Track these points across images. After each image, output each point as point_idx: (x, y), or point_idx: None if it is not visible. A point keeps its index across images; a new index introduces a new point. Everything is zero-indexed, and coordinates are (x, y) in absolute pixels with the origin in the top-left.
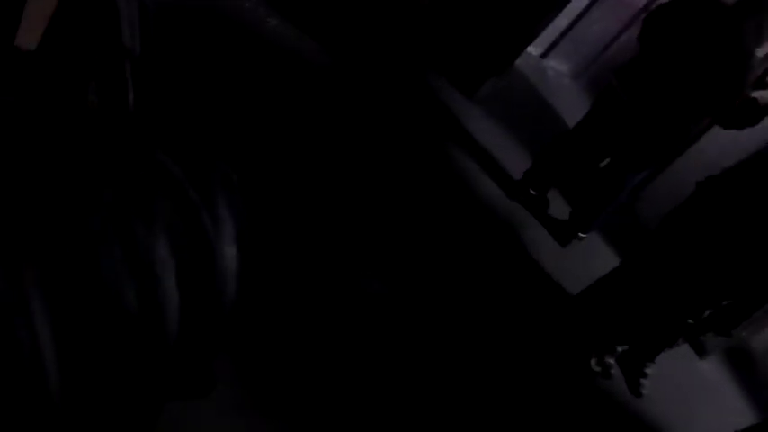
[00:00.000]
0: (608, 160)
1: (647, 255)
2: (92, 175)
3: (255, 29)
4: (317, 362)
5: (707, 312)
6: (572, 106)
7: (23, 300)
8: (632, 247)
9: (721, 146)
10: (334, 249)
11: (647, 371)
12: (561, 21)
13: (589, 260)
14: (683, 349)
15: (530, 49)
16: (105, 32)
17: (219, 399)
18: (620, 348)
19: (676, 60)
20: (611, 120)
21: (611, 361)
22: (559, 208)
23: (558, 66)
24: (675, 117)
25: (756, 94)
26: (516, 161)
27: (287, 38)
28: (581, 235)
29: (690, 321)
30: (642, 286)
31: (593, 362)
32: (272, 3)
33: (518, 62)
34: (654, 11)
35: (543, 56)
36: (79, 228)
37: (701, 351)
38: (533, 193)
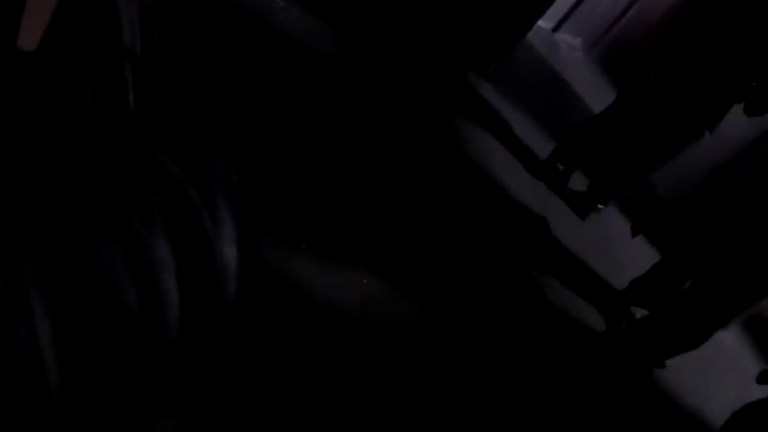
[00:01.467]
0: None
1: (691, 249)
2: (92, 175)
3: (256, 30)
4: (316, 362)
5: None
6: (585, 79)
7: (23, 300)
8: (672, 243)
9: (733, 122)
10: (339, 246)
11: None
12: None
13: (607, 232)
14: None
15: (541, 23)
16: (105, 32)
17: (218, 398)
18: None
19: (708, 46)
20: (642, 106)
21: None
22: (577, 180)
23: (569, 39)
24: (708, 102)
25: None
26: (532, 137)
27: (291, 26)
28: (599, 206)
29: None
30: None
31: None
32: None
33: (529, 36)
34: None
35: (555, 29)
36: (79, 228)
37: None
38: (561, 167)
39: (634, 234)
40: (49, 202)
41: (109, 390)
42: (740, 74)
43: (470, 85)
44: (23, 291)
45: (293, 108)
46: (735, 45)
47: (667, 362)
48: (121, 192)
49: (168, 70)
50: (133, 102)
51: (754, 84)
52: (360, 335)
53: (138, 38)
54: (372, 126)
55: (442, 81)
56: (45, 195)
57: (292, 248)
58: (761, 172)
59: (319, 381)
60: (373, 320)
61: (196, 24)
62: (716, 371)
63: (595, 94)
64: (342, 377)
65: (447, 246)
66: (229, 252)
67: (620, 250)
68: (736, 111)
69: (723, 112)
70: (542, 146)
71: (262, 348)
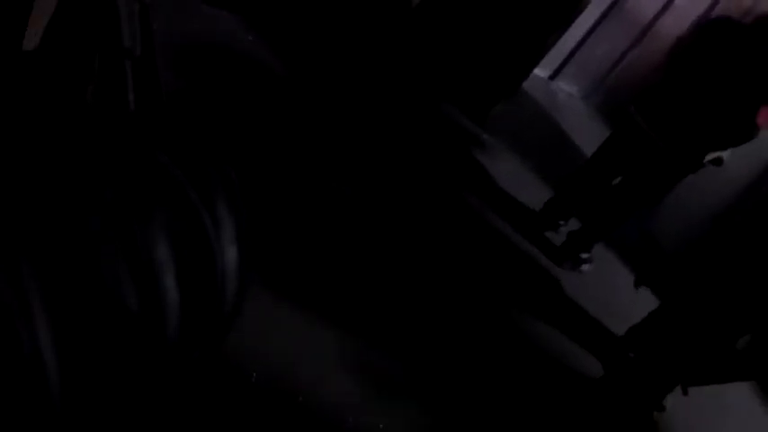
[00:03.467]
0: (619, 180)
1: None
2: (92, 176)
3: (258, 29)
4: (317, 362)
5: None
6: (584, 127)
7: (24, 300)
8: (672, 286)
9: (732, 167)
10: (335, 252)
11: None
12: (568, 42)
13: (606, 280)
14: None
15: (538, 72)
16: (105, 32)
17: (220, 395)
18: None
19: (701, 87)
20: (630, 148)
21: None
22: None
23: (567, 87)
24: (698, 143)
25: None
26: (530, 186)
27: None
28: (582, 256)
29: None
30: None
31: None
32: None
33: (527, 85)
34: (678, 42)
35: (552, 78)
36: (79, 228)
37: None
38: (562, 224)
39: (637, 286)
40: (50, 202)
41: (109, 389)
42: (732, 111)
43: (470, 134)
44: (24, 291)
45: (292, 108)
46: (725, 83)
47: (667, 405)
48: (122, 192)
49: (168, 70)
50: (133, 102)
51: (748, 121)
52: (362, 336)
53: (138, 38)
54: (369, 168)
55: (440, 131)
56: (45, 195)
57: (292, 249)
58: (758, 218)
59: (319, 379)
60: (364, 348)
61: (195, 25)
62: (714, 414)
63: (594, 140)
64: (343, 378)
65: (444, 294)
66: (229, 252)
67: (620, 298)
68: (736, 154)
69: (705, 151)
70: (539, 194)
71: (261, 347)
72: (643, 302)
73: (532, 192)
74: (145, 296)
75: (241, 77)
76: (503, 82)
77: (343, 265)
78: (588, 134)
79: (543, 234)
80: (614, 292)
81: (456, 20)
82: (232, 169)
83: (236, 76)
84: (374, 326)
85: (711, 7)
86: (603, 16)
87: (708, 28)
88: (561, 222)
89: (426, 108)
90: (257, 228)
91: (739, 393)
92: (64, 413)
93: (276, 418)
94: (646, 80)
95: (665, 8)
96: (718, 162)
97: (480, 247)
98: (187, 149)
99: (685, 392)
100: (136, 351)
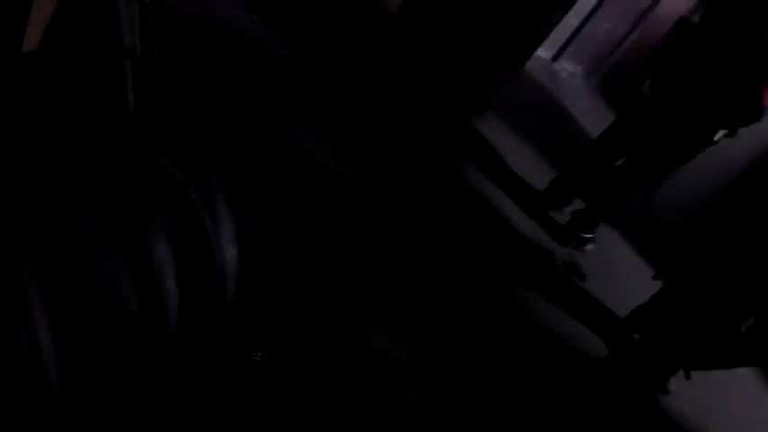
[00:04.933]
0: (624, 159)
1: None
2: (92, 175)
3: (257, 29)
4: (316, 362)
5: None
6: (587, 106)
7: (24, 300)
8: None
9: (735, 145)
10: (335, 251)
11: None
12: (571, 23)
13: (611, 260)
14: None
15: (541, 52)
16: (105, 32)
17: (221, 396)
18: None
19: (707, 66)
20: (640, 128)
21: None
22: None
23: (569, 67)
24: (707, 121)
25: None
26: (534, 165)
27: (281, 42)
28: (585, 236)
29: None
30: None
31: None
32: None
33: (530, 66)
34: (681, 22)
35: (554, 58)
36: (79, 228)
37: None
38: (566, 203)
39: (655, 278)
40: (49, 201)
41: (109, 388)
42: (737, 90)
43: (472, 114)
44: (24, 291)
45: (292, 109)
46: (725, 66)
47: (672, 387)
48: (122, 192)
49: (168, 70)
50: (133, 102)
51: (754, 97)
52: (362, 336)
53: (138, 38)
54: (373, 142)
55: (443, 110)
56: (45, 195)
57: (291, 249)
58: (761, 199)
59: (318, 379)
60: (370, 339)
61: (195, 24)
62: (721, 394)
63: (596, 120)
64: (341, 379)
65: (449, 273)
66: (229, 252)
67: (624, 277)
68: (738, 134)
69: (714, 131)
70: (543, 174)
71: (261, 346)
72: (647, 282)
73: (536, 171)
74: (145, 296)
75: (241, 66)
76: (505, 62)
77: (346, 250)
78: (591, 114)
79: (548, 214)
80: (618, 272)
81: (459, 1)
82: (232, 169)
83: (236, 65)
84: (378, 309)
85: None
86: None
87: (711, 7)
88: (566, 202)
89: (427, 90)
90: (257, 227)
91: (743, 377)
92: (64, 412)
93: (280, 395)
94: (648, 60)
95: None
96: (732, 134)
97: (485, 227)
98: (187, 149)
99: (688, 377)
100: (136, 350)
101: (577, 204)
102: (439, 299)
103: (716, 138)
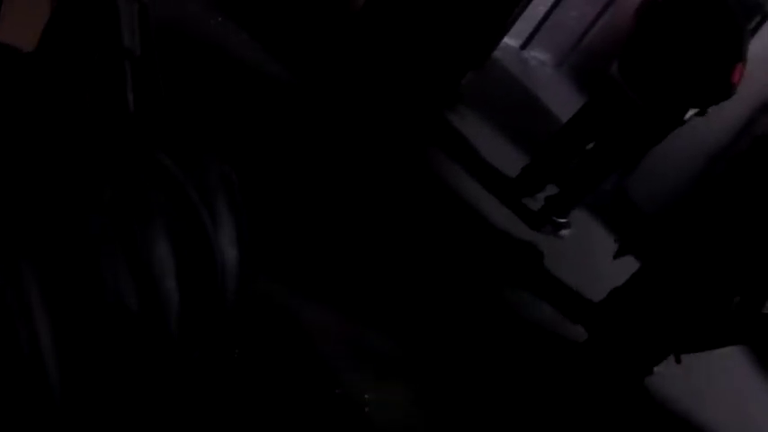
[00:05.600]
0: (594, 143)
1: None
2: (91, 175)
3: (258, 29)
4: (317, 361)
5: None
6: (557, 93)
7: (24, 300)
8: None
9: (707, 127)
10: (333, 250)
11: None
12: (538, 10)
13: (585, 243)
14: None
15: (509, 41)
16: (105, 32)
17: (221, 396)
18: None
19: (675, 45)
20: (610, 110)
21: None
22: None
23: (539, 55)
24: (676, 102)
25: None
26: (506, 154)
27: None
28: (559, 221)
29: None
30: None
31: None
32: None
33: (499, 55)
34: (647, 2)
35: (523, 47)
36: (79, 228)
37: None
38: (539, 189)
39: (617, 257)
40: (50, 202)
41: (109, 388)
42: (709, 68)
43: (443, 106)
44: (23, 291)
45: (291, 111)
46: (699, 40)
47: (657, 369)
48: (121, 191)
49: (168, 70)
50: (133, 102)
51: (725, 76)
52: (360, 336)
53: (138, 38)
54: (357, 151)
55: (413, 104)
56: (44, 194)
57: (291, 248)
58: (734, 177)
59: (318, 379)
60: (357, 339)
61: (193, 23)
62: (706, 375)
63: (567, 106)
64: (341, 378)
65: (426, 264)
66: (229, 252)
67: (600, 260)
68: (711, 114)
69: (684, 110)
70: (516, 162)
71: (262, 346)
72: (624, 264)
73: (509, 160)
74: (145, 296)
75: (215, 66)
76: (472, 53)
77: (337, 251)
78: (561, 100)
79: (521, 200)
80: (594, 255)
81: None
82: (232, 169)
83: (209, 66)
84: (361, 303)
85: None
86: None
87: None
88: (539, 188)
89: (399, 85)
90: (257, 226)
91: (732, 355)
92: (64, 412)
93: (263, 391)
94: (617, 44)
95: None
96: (702, 113)
97: (460, 218)
98: (187, 149)
99: (678, 360)
100: (136, 350)
101: (551, 190)
102: (419, 290)
103: (686, 117)
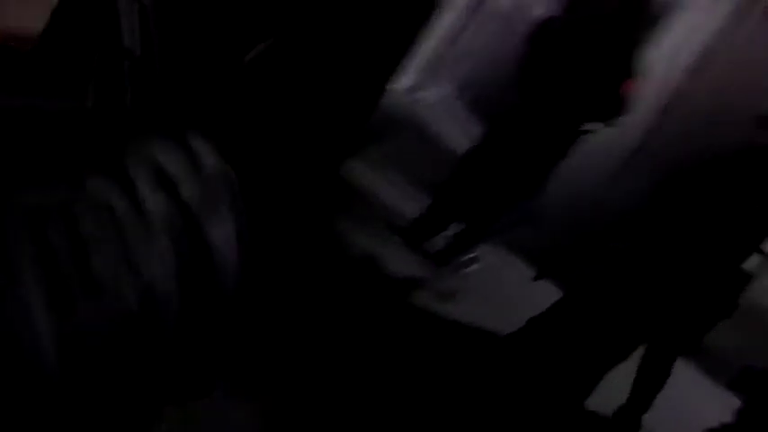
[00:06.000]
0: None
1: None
2: (90, 174)
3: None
4: (316, 361)
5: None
6: (457, 128)
7: (24, 300)
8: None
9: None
10: (332, 249)
11: None
12: (431, 48)
13: (497, 276)
14: None
15: (400, 84)
16: (105, 32)
17: (221, 397)
18: None
19: (568, 65)
20: (506, 135)
21: None
22: None
23: (434, 92)
24: (573, 117)
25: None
26: (411, 198)
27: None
28: (465, 257)
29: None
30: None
31: None
32: None
33: (386, 101)
34: (540, 25)
35: (414, 88)
36: (78, 226)
37: None
38: (442, 229)
39: (537, 279)
40: (48, 201)
41: (108, 387)
42: (592, 90)
43: (341, 162)
44: (23, 291)
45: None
46: (592, 59)
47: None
48: (120, 191)
49: (168, 70)
50: (132, 101)
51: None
52: (359, 336)
53: (138, 38)
54: None
55: (308, 167)
56: (44, 195)
57: (291, 248)
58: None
59: (318, 379)
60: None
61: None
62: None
63: (468, 139)
64: (340, 377)
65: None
66: (229, 251)
67: (514, 291)
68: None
69: (579, 127)
70: (419, 203)
71: (261, 346)
72: (539, 291)
73: (412, 202)
74: (144, 295)
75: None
76: (361, 104)
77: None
78: (462, 134)
79: (424, 243)
80: (508, 287)
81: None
82: (232, 169)
83: None
84: None
85: None
86: (467, 13)
87: (574, 6)
88: (442, 227)
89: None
90: (257, 227)
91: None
92: (63, 412)
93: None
94: (513, 69)
95: None
96: (596, 129)
97: (362, 271)
98: (187, 149)
99: None
100: (135, 350)
101: (456, 228)
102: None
103: (586, 131)
